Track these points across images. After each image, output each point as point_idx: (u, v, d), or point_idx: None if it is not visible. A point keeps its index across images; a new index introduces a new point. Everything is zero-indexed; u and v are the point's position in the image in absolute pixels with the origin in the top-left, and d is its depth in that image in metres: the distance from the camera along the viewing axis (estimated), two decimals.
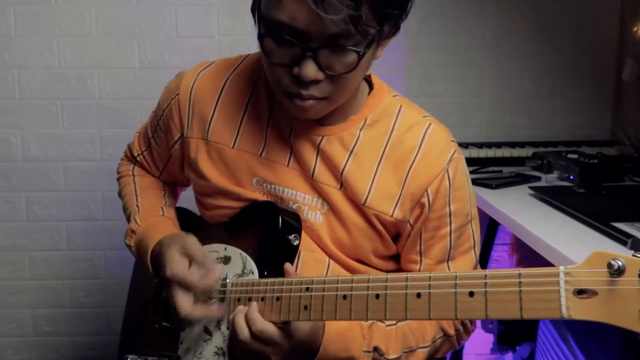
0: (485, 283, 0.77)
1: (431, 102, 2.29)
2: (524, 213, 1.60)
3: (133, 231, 1.21)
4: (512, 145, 2.24)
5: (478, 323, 2.17)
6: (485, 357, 2.37)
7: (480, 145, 2.22)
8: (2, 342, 2.38)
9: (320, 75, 0.95)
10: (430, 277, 0.82)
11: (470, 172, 2.01)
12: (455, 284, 0.79)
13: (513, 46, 2.32)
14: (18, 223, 2.32)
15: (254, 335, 0.97)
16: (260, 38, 0.95)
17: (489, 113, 2.36)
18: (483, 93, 2.35)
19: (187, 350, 1.13)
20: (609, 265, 0.67)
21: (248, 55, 1.19)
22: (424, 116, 1.12)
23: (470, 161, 2.12)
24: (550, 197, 1.66)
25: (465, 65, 2.32)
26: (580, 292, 0.70)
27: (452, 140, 1.11)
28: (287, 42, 0.92)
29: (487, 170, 2.09)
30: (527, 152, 2.17)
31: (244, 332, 0.98)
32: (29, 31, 2.21)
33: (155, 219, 1.21)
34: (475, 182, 1.92)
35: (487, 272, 0.77)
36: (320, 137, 1.09)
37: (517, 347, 2.10)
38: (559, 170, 1.90)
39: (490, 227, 2.23)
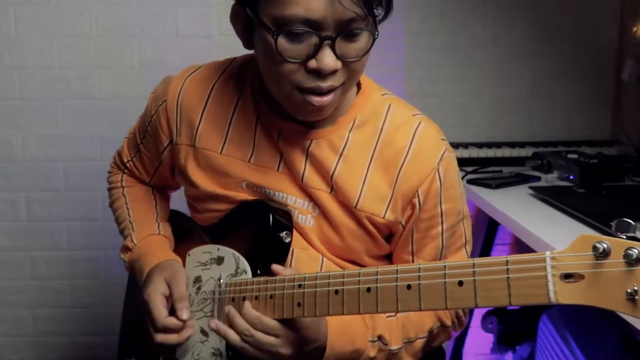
0: (474, 272, 0.77)
1: (431, 102, 2.29)
2: (524, 213, 1.60)
3: (129, 248, 1.23)
4: (512, 145, 2.25)
5: (477, 321, 2.17)
6: (485, 357, 2.37)
7: (480, 145, 2.22)
8: (2, 342, 2.38)
9: (338, 64, 0.95)
10: (419, 268, 0.83)
11: (470, 172, 2.03)
12: (445, 273, 0.80)
13: (513, 46, 2.32)
14: (18, 223, 2.32)
15: (258, 329, 0.98)
16: (274, 39, 0.93)
17: (489, 113, 2.36)
18: (483, 93, 2.35)
19: (184, 352, 1.13)
20: (594, 248, 0.68)
21: (235, 58, 1.18)
22: (413, 115, 1.11)
23: (470, 161, 2.13)
24: (550, 197, 1.66)
25: (465, 65, 2.32)
26: (567, 277, 0.70)
27: (442, 139, 1.10)
28: (303, 36, 0.93)
29: (487, 170, 2.09)
30: (527, 152, 2.17)
31: (249, 329, 0.99)
32: (29, 31, 2.21)
33: (151, 239, 1.22)
34: (475, 182, 1.92)
35: (475, 260, 0.78)
36: (309, 141, 1.08)
37: (517, 347, 2.11)
38: (559, 170, 1.90)
39: (490, 227, 2.23)
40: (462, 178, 1.94)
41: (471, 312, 2.24)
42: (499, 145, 2.24)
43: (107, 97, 2.26)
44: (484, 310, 2.14)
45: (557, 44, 2.33)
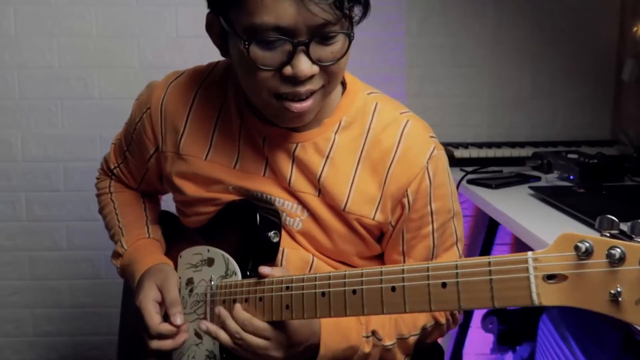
0: (457, 273, 0.76)
1: (432, 102, 2.29)
2: (524, 213, 1.60)
3: (119, 254, 1.22)
4: (512, 145, 2.24)
5: (477, 321, 2.17)
6: (485, 357, 2.37)
7: (480, 145, 2.22)
8: (2, 342, 2.38)
9: (315, 69, 0.93)
10: (403, 269, 0.82)
11: (470, 172, 2.02)
12: (428, 275, 0.79)
13: (513, 46, 2.32)
14: (18, 223, 2.32)
15: (248, 331, 0.98)
16: (246, 47, 0.92)
17: (489, 113, 2.36)
18: (483, 93, 2.35)
19: (180, 355, 1.13)
20: (577, 248, 0.66)
21: (218, 62, 1.18)
22: (400, 113, 1.09)
23: (470, 161, 2.13)
24: (550, 197, 1.66)
25: (465, 65, 2.32)
26: (550, 277, 0.68)
27: (430, 137, 1.09)
28: (276, 43, 0.91)
29: (487, 170, 2.09)
30: (527, 152, 2.17)
31: (239, 332, 0.99)
32: (29, 31, 2.21)
33: (141, 243, 1.21)
34: (475, 182, 1.92)
35: (458, 262, 0.77)
36: (294, 145, 1.07)
37: (517, 347, 2.11)
38: (559, 170, 1.90)
39: (490, 227, 2.23)
40: (462, 178, 1.95)
41: (471, 311, 2.24)
42: (499, 145, 2.24)
43: (107, 97, 2.26)
44: (484, 310, 2.14)
45: (557, 44, 2.33)
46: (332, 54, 0.94)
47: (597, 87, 2.35)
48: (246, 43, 0.92)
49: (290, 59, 0.92)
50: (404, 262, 1.10)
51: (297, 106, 0.96)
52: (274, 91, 0.96)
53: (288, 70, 0.92)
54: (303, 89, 0.94)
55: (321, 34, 0.91)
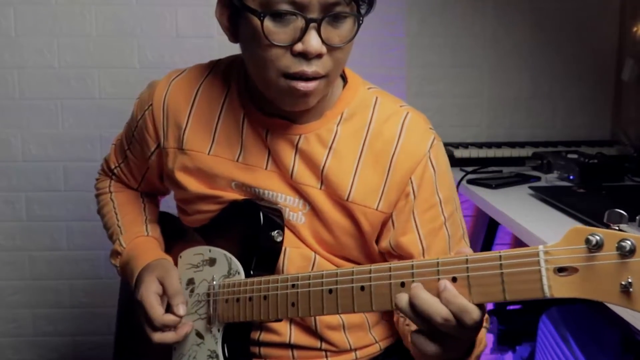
0: (467, 268, 0.77)
1: (431, 102, 2.29)
2: (524, 213, 1.60)
3: (118, 253, 1.22)
4: (512, 145, 2.24)
5: None
6: (485, 357, 2.37)
7: (480, 145, 2.22)
8: (2, 342, 2.38)
9: (323, 49, 0.96)
10: (412, 265, 0.82)
11: (470, 172, 2.03)
12: (438, 270, 0.79)
13: (513, 46, 2.32)
14: (18, 223, 2.32)
15: (455, 314, 0.78)
16: (261, 20, 0.94)
17: (489, 113, 2.36)
18: (483, 93, 2.35)
19: (180, 356, 1.12)
20: (587, 241, 0.68)
21: (220, 60, 1.19)
22: (400, 106, 1.12)
23: (470, 161, 2.13)
24: (550, 197, 1.66)
25: (465, 65, 2.32)
26: (561, 270, 0.70)
27: (430, 128, 1.11)
28: (289, 19, 0.94)
29: (487, 170, 2.09)
30: (527, 152, 2.17)
31: (442, 310, 0.78)
32: (29, 31, 2.21)
33: (140, 241, 1.22)
34: (475, 182, 1.92)
35: (469, 256, 0.77)
36: (297, 136, 1.08)
37: (517, 347, 2.11)
38: (559, 170, 1.90)
39: (490, 227, 2.23)
40: (462, 178, 1.95)
41: None
42: (499, 145, 2.24)
43: (107, 97, 2.26)
44: None
45: (557, 44, 2.33)
46: (340, 37, 0.97)
47: (597, 87, 2.35)
48: (261, 15, 0.94)
49: (302, 35, 0.94)
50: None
51: (303, 84, 0.98)
52: (282, 70, 0.97)
53: (299, 46, 0.95)
54: (310, 69, 0.96)
55: (332, 13, 0.95)
